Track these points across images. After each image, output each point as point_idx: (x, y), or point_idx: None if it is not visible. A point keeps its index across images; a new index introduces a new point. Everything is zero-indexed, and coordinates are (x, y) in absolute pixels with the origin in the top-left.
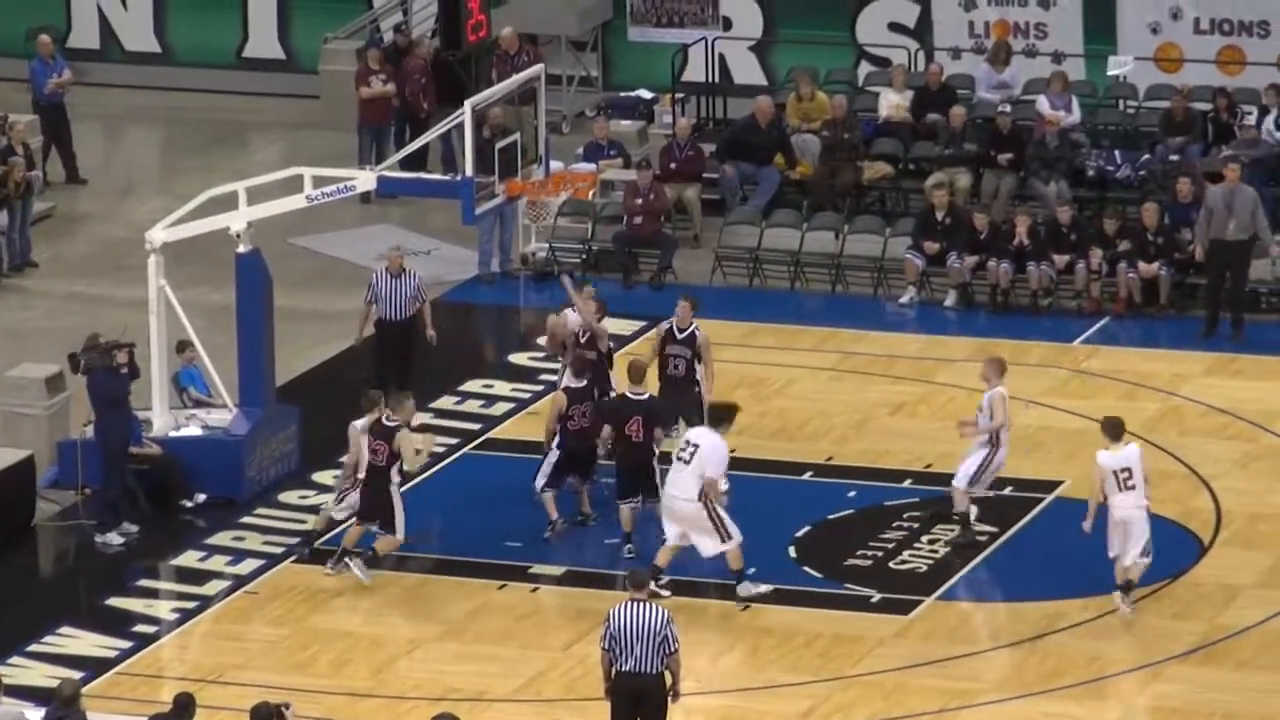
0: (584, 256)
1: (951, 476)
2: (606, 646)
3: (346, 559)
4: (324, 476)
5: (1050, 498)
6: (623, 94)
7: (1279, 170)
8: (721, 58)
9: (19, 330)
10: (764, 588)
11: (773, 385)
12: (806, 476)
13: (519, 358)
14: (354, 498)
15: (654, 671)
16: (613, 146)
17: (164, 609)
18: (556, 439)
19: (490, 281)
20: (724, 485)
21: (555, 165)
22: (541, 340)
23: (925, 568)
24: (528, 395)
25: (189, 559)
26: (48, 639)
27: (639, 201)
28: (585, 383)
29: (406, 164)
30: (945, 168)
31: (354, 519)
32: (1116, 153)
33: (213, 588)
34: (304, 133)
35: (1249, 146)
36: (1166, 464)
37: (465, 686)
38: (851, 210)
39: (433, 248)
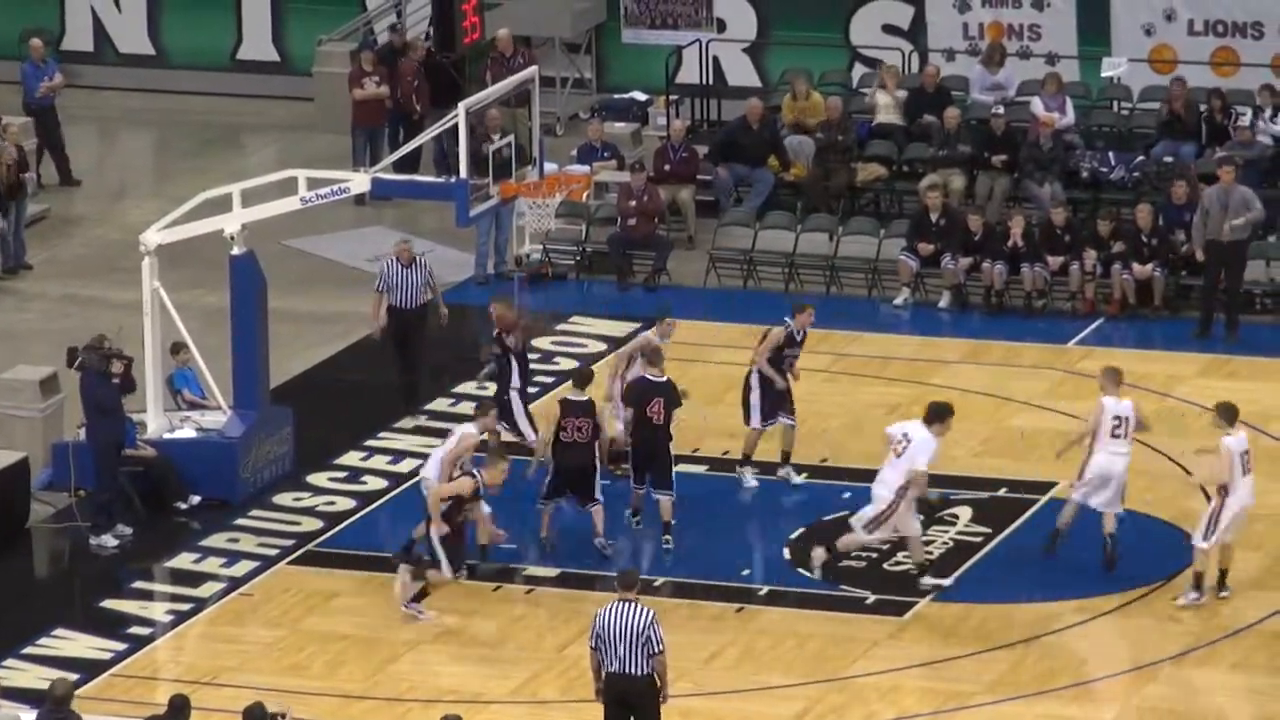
0: (578, 258)
1: (951, 477)
2: (594, 646)
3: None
4: (318, 478)
5: (1044, 499)
6: (617, 96)
7: (1273, 171)
8: (715, 60)
9: (13, 332)
10: (945, 581)
11: None
12: (801, 478)
13: None
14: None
15: (640, 673)
16: (607, 148)
17: (159, 611)
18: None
19: (485, 283)
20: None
21: (550, 167)
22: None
23: (918, 570)
24: None
25: (183, 561)
26: (42, 641)
27: (633, 203)
28: (586, 397)
29: (400, 166)
30: (940, 169)
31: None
32: (1110, 154)
33: (208, 590)
34: (298, 135)
35: (1243, 148)
36: (1161, 465)
37: (461, 688)
38: (846, 212)
39: (426, 250)
